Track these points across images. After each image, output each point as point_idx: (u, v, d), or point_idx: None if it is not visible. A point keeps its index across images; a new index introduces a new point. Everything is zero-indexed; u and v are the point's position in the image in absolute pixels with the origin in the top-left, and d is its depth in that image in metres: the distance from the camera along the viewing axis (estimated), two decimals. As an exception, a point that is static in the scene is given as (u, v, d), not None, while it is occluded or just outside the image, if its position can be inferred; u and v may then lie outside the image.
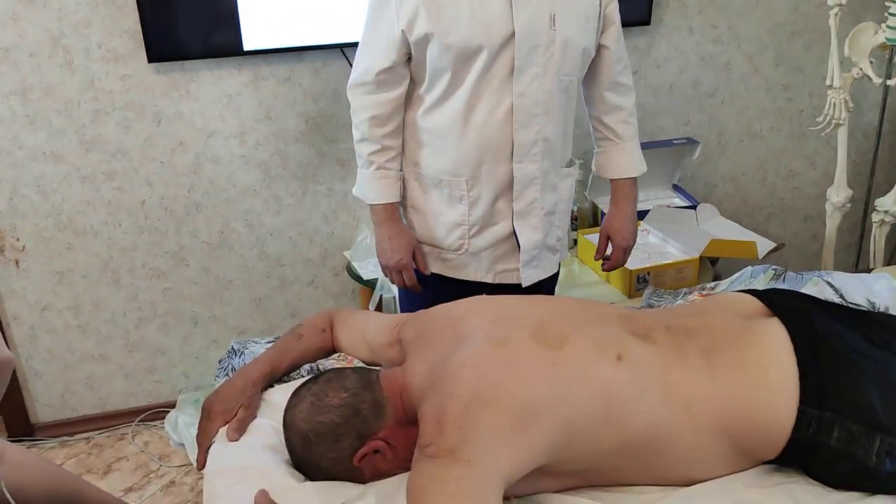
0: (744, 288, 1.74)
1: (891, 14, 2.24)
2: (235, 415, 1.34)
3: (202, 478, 2.37)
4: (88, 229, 2.38)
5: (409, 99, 1.64)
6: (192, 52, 2.22)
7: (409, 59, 1.59)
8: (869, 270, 1.96)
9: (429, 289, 1.75)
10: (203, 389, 2.64)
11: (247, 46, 2.23)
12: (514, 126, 1.56)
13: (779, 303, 1.32)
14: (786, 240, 2.92)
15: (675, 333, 1.28)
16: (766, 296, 1.35)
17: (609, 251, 1.83)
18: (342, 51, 2.32)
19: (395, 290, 2.26)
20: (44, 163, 2.26)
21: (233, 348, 1.58)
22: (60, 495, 1.32)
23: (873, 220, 2.52)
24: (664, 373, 1.21)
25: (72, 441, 2.57)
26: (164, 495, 2.32)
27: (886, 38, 2.28)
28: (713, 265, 2.51)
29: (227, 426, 1.33)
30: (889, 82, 2.38)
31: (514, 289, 1.72)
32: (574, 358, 1.18)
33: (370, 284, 2.35)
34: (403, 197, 1.73)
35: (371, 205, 1.69)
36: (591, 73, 1.70)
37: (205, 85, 2.29)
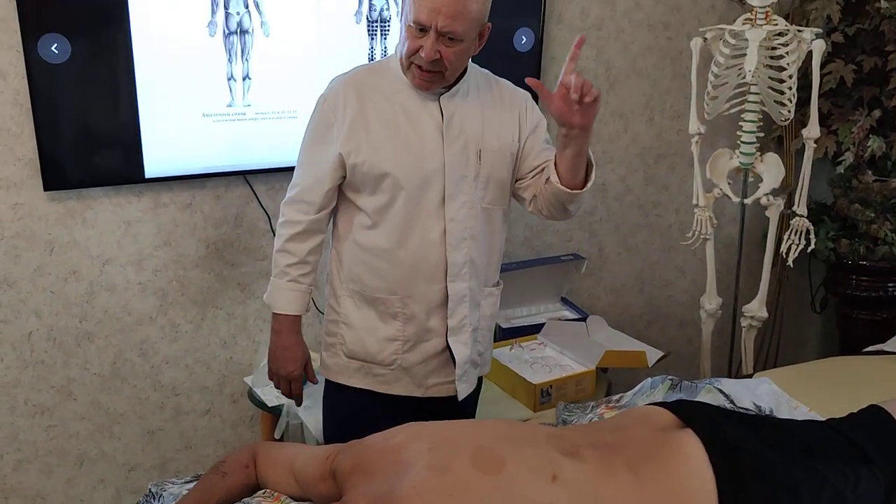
0: (645, 397, 1.86)
1: (742, 142, 2.54)
2: (165, 564, 1.28)
3: None
4: (-35, 366, 2.22)
5: (348, 220, 1.72)
6: (90, 181, 2.19)
7: (344, 179, 1.68)
8: (750, 375, 2.13)
9: (355, 405, 1.77)
10: (89, 534, 2.45)
11: (148, 174, 2.22)
12: (447, 248, 1.66)
13: (689, 414, 1.43)
14: (664, 344, 3.12)
15: (601, 450, 1.35)
16: (676, 408, 1.46)
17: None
18: (245, 178, 2.36)
19: (303, 416, 2.23)
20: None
21: (150, 491, 1.50)
22: None
23: (742, 324, 2.75)
24: (596, 488, 1.27)
25: None
26: None
27: (740, 163, 2.57)
28: (604, 373, 2.64)
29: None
30: (746, 201, 2.67)
31: (444, 402, 1.77)
32: (513, 481, 1.23)
33: (274, 411, 2.30)
34: (336, 312, 1.76)
35: (276, 313, 1.74)
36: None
37: (102, 212, 2.25)
